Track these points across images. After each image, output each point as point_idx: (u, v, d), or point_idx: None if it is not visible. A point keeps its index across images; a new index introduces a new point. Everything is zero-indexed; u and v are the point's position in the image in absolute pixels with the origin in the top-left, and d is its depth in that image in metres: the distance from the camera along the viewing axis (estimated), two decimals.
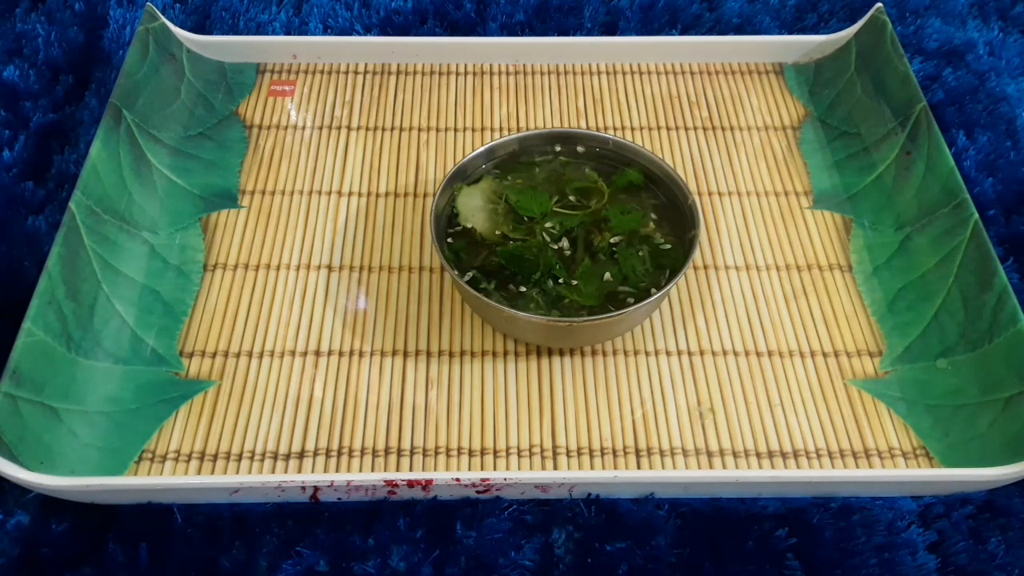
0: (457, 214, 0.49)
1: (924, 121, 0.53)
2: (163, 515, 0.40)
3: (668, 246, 0.47)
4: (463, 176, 0.50)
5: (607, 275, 0.46)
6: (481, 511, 0.41)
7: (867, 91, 0.58)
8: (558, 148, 0.52)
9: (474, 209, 0.49)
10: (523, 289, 0.45)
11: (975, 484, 0.41)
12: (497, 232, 0.47)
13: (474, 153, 0.50)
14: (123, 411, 0.44)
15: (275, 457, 0.43)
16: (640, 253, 0.47)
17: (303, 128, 0.58)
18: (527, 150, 0.52)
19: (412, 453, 0.43)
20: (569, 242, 0.47)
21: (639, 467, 0.43)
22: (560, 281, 0.46)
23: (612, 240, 0.47)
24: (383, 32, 0.65)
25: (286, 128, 0.58)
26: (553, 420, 0.44)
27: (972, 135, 0.57)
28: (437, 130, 0.58)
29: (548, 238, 0.47)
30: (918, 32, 0.64)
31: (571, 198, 0.49)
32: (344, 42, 0.62)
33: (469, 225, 0.48)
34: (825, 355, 0.47)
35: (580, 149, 0.52)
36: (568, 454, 0.43)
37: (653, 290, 0.45)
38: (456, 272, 0.45)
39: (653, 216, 0.49)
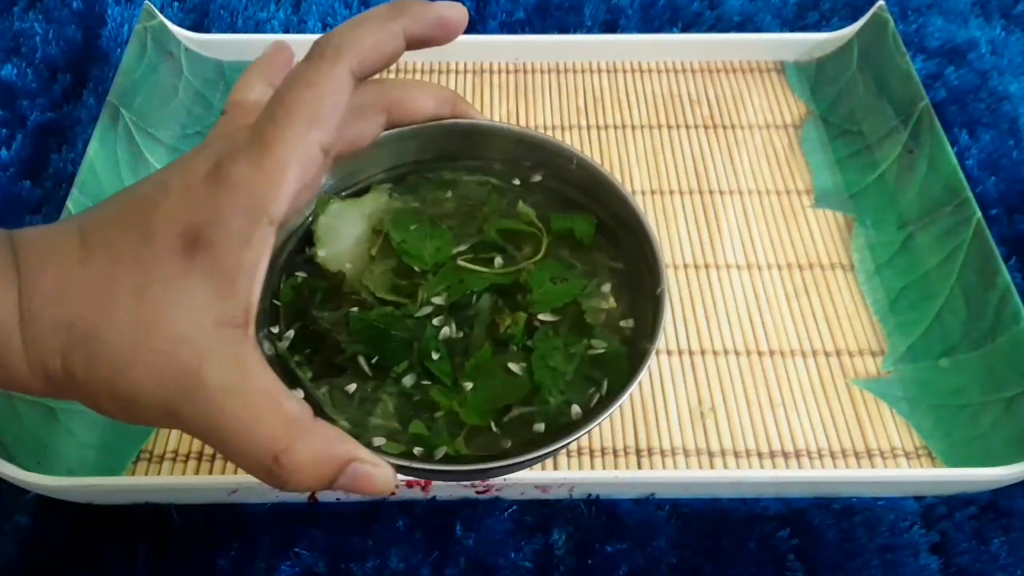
0: (315, 237, 0.32)
1: (926, 119, 0.53)
2: (161, 515, 0.40)
3: (611, 348, 0.31)
4: (353, 174, 0.33)
5: (510, 375, 0.30)
6: (481, 512, 0.40)
7: (869, 89, 0.57)
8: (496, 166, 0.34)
9: (342, 237, 0.32)
10: (376, 382, 0.30)
11: (978, 484, 0.41)
12: (364, 283, 0.31)
13: (394, 131, 0.32)
14: None
15: None
16: (571, 350, 0.30)
17: None
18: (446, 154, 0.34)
19: None
20: (457, 319, 0.31)
21: (639, 467, 0.42)
22: (440, 379, 0.30)
23: (526, 322, 0.31)
24: None
25: None
26: None
27: (975, 134, 0.57)
28: None
29: (434, 307, 0.31)
30: (920, 30, 0.64)
31: (492, 252, 0.32)
32: None
33: (323, 255, 0.31)
34: (827, 354, 0.47)
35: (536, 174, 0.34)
36: (568, 454, 0.43)
37: (574, 411, 0.29)
38: (276, 329, 0.29)
39: (607, 288, 0.32)
